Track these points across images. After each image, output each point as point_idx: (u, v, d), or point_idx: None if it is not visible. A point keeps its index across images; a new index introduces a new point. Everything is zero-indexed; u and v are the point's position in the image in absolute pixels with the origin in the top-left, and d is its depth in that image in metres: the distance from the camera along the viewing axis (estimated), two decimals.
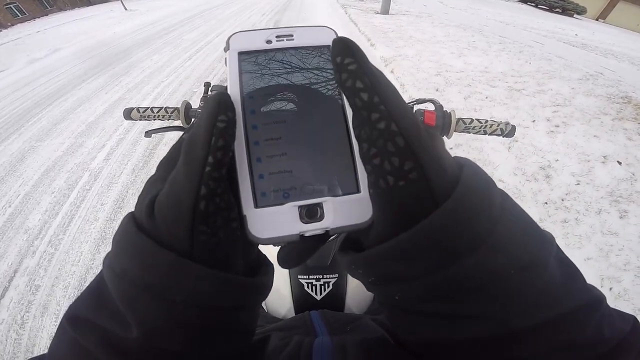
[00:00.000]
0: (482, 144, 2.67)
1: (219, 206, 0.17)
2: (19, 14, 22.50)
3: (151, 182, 0.20)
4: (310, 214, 0.18)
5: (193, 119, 0.66)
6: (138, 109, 0.66)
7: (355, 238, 0.21)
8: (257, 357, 0.31)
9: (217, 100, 0.17)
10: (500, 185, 2.39)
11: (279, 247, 0.21)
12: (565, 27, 10.13)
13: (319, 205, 0.18)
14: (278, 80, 0.20)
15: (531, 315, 0.16)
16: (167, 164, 0.20)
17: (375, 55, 4.94)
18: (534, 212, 2.07)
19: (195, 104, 0.75)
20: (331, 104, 0.20)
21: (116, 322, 0.17)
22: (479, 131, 0.64)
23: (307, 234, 0.18)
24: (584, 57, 5.57)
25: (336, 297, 0.57)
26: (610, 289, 1.62)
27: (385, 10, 8.44)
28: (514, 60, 4.89)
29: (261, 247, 0.23)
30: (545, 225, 1.96)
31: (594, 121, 3.09)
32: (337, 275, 0.56)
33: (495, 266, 0.15)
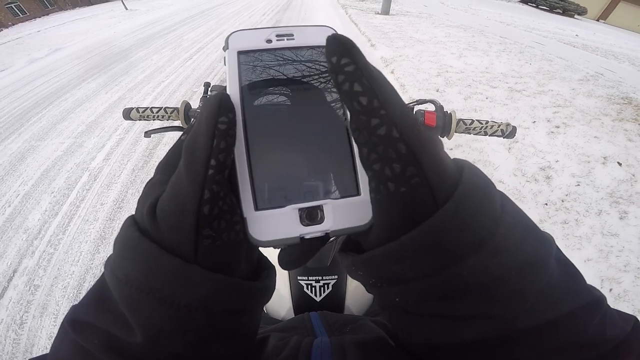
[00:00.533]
0: (482, 144, 2.67)
1: (223, 210, 0.16)
2: (19, 13, 22.54)
3: (150, 186, 0.20)
4: (311, 216, 0.18)
5: (192, 119, 0.66)
6: (137, 109, 0.65)
7: (356, 240, 0.21)
8: (255, 358, 0.31)
9: (218, 101, 0.16)
10: (500, 186, 2.38)
11: (280, 249, 0.21)
12: (566, 28, 10.13)
13: (319, 207, 0.18)
14: (278, 80, 0.20)
15: (532, 316, 0.16)
16: (166, 166, 0.20)
17: (376, 56, 4.94)
18: (534, 213, 2.06)
19: (196, 104, 0.75)
20: (331, 104, 0.19)
21: (120, 326, 0.17)
22: (480, 132, 0.64)
23: (307, 237, 0.18)
24: (584, 58, 5.57)
25: (336, 298, 0.57)
26: (610, 290, 1.62)
27: (385, 11, 8.45)
28: (515, 60, 4.90)
29: (262, 249, 0.23)
30: (545, 226, 1.96)
31: (595, 122, 3.10)
32: (336, 276, 0.56)
33: (497, 267, 0.15)
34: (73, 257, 1.86)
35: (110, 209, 2.17)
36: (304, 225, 0.18)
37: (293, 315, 0.59)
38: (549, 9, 17.85)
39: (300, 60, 0.20)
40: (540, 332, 0.16)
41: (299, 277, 0.56)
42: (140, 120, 0.66)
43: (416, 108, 0.66)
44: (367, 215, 0.18)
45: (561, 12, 17.69)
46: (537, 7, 18.59)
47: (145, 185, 0.20)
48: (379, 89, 0.15)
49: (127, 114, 0.66)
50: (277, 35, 0.20)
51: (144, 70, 4.97)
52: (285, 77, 0.20)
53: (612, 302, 1.55)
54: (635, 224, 1.99)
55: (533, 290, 0.16)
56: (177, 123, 0.66)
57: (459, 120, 0.63)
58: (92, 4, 25.99)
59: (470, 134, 0.64)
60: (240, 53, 0.20)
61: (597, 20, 21.58)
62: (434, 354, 0.19)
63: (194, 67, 4.89)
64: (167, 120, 0.66)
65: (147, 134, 0.69)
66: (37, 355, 0.22)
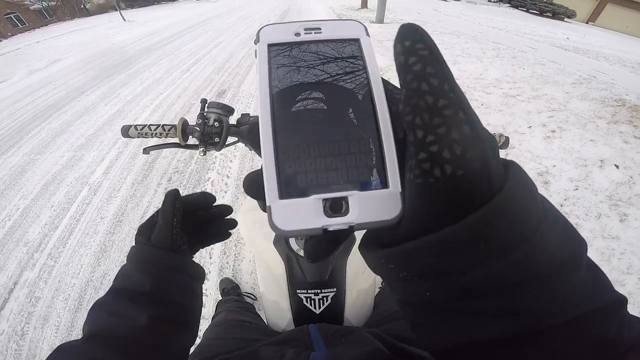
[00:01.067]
0: None
1: (177, 232, 0.41)
2: (18, 24, 22.72)
3: (141, 232, 0.42)
4: (335, 207, 0.18)
5: (190, 136, 0.66)
6: (136, 127, 0.66)
7: (375, 236, 0.21)
8: None
9: (172, 201, 0.40)
10: None
11: (304, 240, 0.21)
12: (557, 31, 10.25)
13: (344, 199, 0.18)
14: (306, 72, 0.20)
15: (562, 312, 0.16)
16: (147, 225, 0.43)
17: None
18: None
19: (193, 117, 0.75)
20: (359, 97, 0.20)
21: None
22: None
23: (330, 229, 0.18)
24: (576, 61, 5.63)
25: (335, 310, 0.58)
26: None
27: (380, 19, 8.55)
28: (508, 66, 4.95)
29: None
30: None
31: (590, 125, 3.12)
32: (335, 289, 0.57)
33: (537, 264, 0.15)
34: (74, 270, 1.86)
35: (110, 222, 2.17)
36: (327, 216, 0.18)
37: (293, 327, 0.60)
38: (539, 13, 18.08)
39: (328, 53, 0.21)
40: (567, 329, 0.16)
41: (298, 291, 0.57)
42: (138, 137, 0.66)
43: None
44: (396, 209, 0.18)
45: (551, 15, 17.91)
46: (527, 11, 18.83)
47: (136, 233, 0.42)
48: (450, 74, 0.16)
49: (126, 132, 0.66)
50: (305, 29, 0.21)
51: (142, 82, 5.01)
52: (312, 68, 0.20)
53: None
54: (635, 226, 1.99)
55: (566, 286, 0.16)
56: (175, 140, 0.66)
57: None
58: (90, 15, 26.21)
59: None
60: (270, 46, 0.21)
61: (587, 22, 21.81)
62: (455, 354, 0.18)
63: (192, 79, 4.93)
64: (165, 137, 0.67)
65: (146, 150, 0.69)
66: None
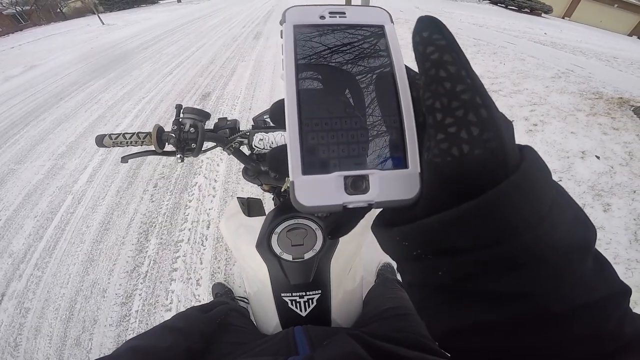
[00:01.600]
0: None
1: None
2: None
3: None
4: (356, 185, 0.18)
5: (167, 143, 0.65)
6: (110, 136, 0.64)
7: (389, 216, 0.21)
8: None
9: None
10: None
11: (324, 216, 0.22)
12: (534, 27, 10.50)
13: (365, 177, 0.18)
14: (330, 54, 0.21)
15: (566, 300, 0.16)
16: None
17: None
18: None
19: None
20: (381, 79, 0.20)
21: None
22: None
23: (350, 206, 0.18)
24: (554, 56, 5.79)
25: (321, 312, 0.58)
26: None
27: None
28: (489, 61, 5.04)
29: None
30: None
31: (570, 118, 3.21)
32: (320, 291, 0.57)
33: (548, 247, 0.15)
34: (62, 280, 1.83)
35: (96, 231, 2.12)
36: (348, 193, 0.18)
37: (281, 330, 0.60)
38: (517, 9, 18.45)
39: (352, 37, 0.21)
40: (571, 317, 0.16)
41: (282, 294, 0.57)
42: (113, 146, 0.65)
43: None
44: (415, 188, 0.18)
45: (529, 11, 18.31)
46: (506, 7, 19.20)
47: None
48: (467, 62, 0.17)
49: (100, 141, 0.64)
50: (330, 13, 0.21)
51: (124, 86, 4.89)
52: (336, 50, 0.21)
53: None
54: (619, 215, 2.04)
55: (575, 272, 0.16)
56: (151, 147, 0.65)
57: None
58: (67, 19, 25.47)
59: None
60: (295, 27, 0.21)
61: (563, 17, 22.44)
62: (459, 337, 0.19)
63: (175, 81, 4.84)
64: (141, 145, 0.65)
65: (124, 159, 0.68)
66: None
